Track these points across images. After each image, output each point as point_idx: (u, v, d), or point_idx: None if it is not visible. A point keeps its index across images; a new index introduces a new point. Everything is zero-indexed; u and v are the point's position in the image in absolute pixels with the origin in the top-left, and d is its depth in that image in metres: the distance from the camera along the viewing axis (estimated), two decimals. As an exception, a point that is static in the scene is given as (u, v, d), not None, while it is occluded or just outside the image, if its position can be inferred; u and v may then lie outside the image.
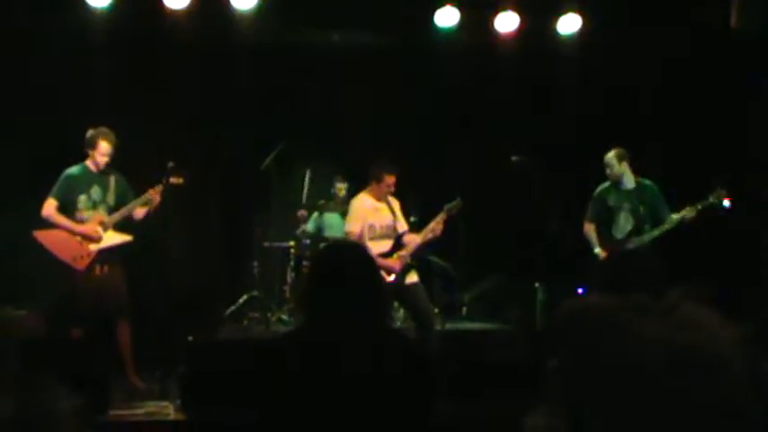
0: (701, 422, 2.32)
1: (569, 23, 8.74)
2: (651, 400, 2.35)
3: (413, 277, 7.13)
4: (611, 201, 7.39)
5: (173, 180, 6.87)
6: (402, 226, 7.24)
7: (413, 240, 7.14)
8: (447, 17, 8.66)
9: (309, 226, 9.28)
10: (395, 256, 7.06)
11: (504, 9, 8.64)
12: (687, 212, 7.06)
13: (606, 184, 7.46)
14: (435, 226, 7.13)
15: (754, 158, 8.05)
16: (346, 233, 7.16)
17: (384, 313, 3.23)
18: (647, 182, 7.37)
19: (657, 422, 2.34)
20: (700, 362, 2.34)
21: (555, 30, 8.80)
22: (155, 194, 6.81)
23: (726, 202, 6.97)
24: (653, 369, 2.36)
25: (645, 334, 2.42)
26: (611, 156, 7.35)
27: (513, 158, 7.79)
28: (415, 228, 7.42)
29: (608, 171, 7.38)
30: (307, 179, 9.20)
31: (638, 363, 2.38)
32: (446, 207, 7.15)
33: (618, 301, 2.58)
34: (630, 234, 7.26)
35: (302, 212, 9.30)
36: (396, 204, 7.25)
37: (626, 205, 7.33)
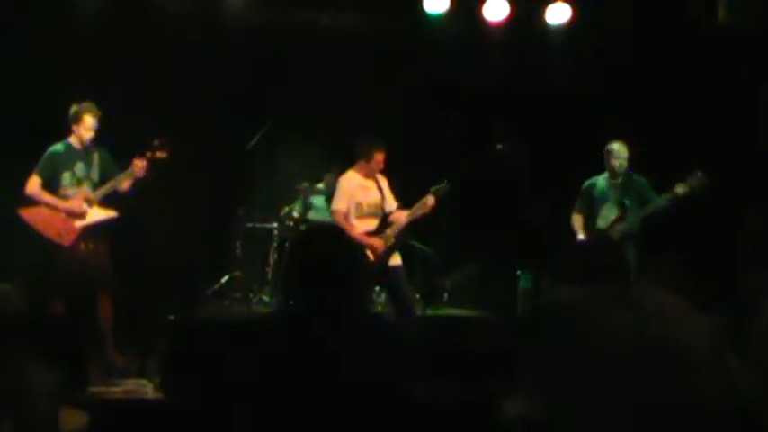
0: (671, 409, 2.34)
1: (558, 13, 8.75)
2: (621, 387, 2.37)
3: (396, 260, 7.12)
4: (597, 193, 7.43)
5: (157, 154, 6.85)
6: (390, 204, 7.22)
7: (400, 218, 7.12)
8: (436, 3, 8.66)
9: (295, 208, 9.26)
10: (380, 235, 7.06)
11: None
12: (664, 196, 7.09)
13: (594, 178, 7.50)
14: (421, 207, 7.08)
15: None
16: (332, 211, 7.15)
17: (363, 297, 3.23)
18: (635, 175, 7.40)
19: (628, 409, 2.37)
20: (668, 350, 2.36)
21: (544, 19, 8.81)
22: (139, 164, 6.76)
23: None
24: (622, 358, 2.38)
25: (614, 324, 2.44)
26: (622, 148, 7.33)
27: (499, 146, 7.79)
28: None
29: (616, 161, 7.35)
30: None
31: (608, 352, 2.40)
32: (432, 189, 7.12)
33: (588, 292, 2.61)
34: (614, 223, 7.29)
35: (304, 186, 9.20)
36: (384, 182, 7.24)
37: (611, 197, 7.36)
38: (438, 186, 7.12)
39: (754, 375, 2.53)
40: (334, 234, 3.04)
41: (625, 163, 7.31)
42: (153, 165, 6.86)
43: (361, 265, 2.99)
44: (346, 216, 7.01)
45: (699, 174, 6.99)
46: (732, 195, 7.27)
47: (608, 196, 7.39)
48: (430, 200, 7.05)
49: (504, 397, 2.70)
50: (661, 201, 7.12)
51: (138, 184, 6.86)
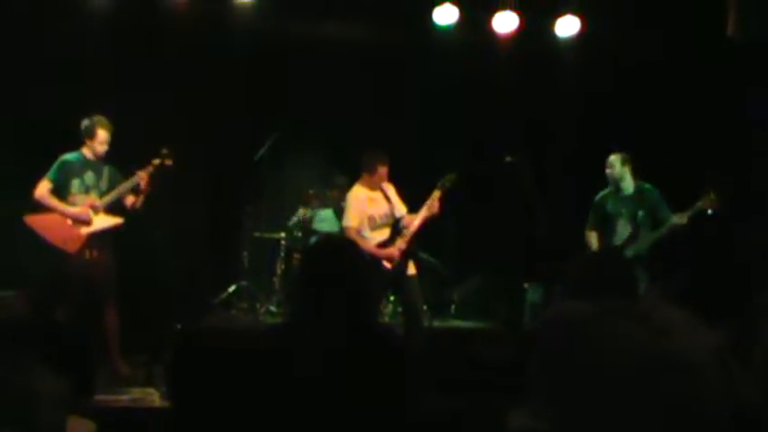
0: (677, 424, 2.33)
1: (567, 25, 8.75)
2: (628, 404, 2.36)
3: (411, 269, 7.14)
4: (610, 208, 7.37)
5: (164, 162, 6.88)
6: (400, 210, 7.22)
7: (411, 222, 7.13)
8: (446, 15, 8.66)
9: (303, 216, 9.20)
10: (394, 244, 7.06)
11: (504, 8, 8.64)
12: (678, 218, 7.08)
13: (605, 190, 7.44)
14: (432, 204, 7.08)
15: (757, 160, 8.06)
16: (344, 228, 7.16)
17: (373, 311, 3.23)
18: (647, 185, 7.35)
19: (634, 427, 2.35)
20: (676, 368, 2.35)
21: (553, 31, 8.82)
22: (143, 175, 6.80)
23: (709, 211, 7.01)
24: (630, 374, 2.37)
25: (622, 339, 2.43)
26: (614, 158, 7.30)
27: (507, 158, 7.78)
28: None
29: (608, 171, 7.32)
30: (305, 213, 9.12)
31: (616, 368, 2.39)
32: (440, 183, 7.12)
33: (596, 306, 2.59)
34: (628, 240, 7.24)
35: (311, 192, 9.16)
36: (390, 189, 7.25)
37: (624, 212, 7.31)
38: (445, 179, 7.12)
39: (758, 393, 2.52)
40: (345, 246, 3.03)
41: (615, 173, 7.29)
42: (160, 173, 6.89)
43: (370, 277, 2.99)
44: (358, 231, 7.02)
45: (711, 194, 6.99)
46: (742, 211, 7.27)
47: (621, 211, 7.34)
48: (434, 205, 7.05)
49: (510, 411, 2.69)
50: (665, 227, 7.13)
51: (144, 198, 6.88)
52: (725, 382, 2.39)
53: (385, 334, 2.97)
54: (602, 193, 7.46)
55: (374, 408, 2.65)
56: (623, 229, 7.31)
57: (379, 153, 7.17)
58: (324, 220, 9.12)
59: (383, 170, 7.12)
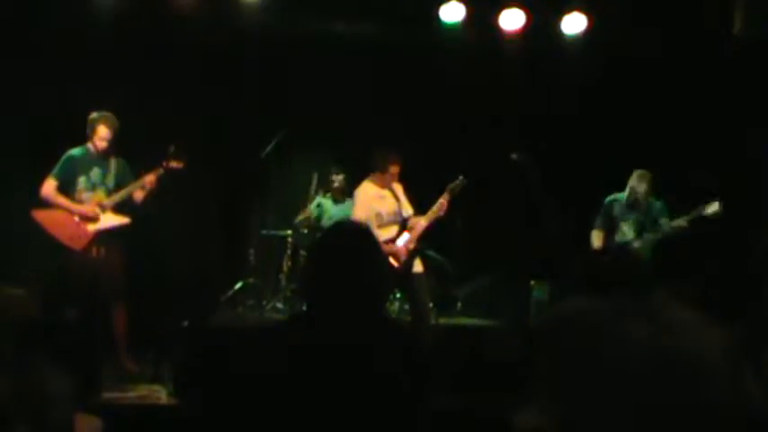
0: (686, 422, 2.33)
1: (574, 23, 8.75)
2: (636, 400, 2.36)
3: (418, 267, 7.14)
4: (617, 211, 7.49)
5: (173, 164, 6.89)
6: (407, 210, 7.24)
7: (418, 223, 7.13)
8: (452, 12, 8.66)
9: (310, 213, 9.19)
10: (400, 242, 7.07)
11: (510, 6, 8.64)
12: (679, 223, 7.13)
13: (615, 195, 7.52)
14: (439, 207, 7.10)
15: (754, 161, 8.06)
16: None
17: (385, 300, 3.20)
18: (658, 203, 7.45)
19: (642, 422, 2.36)
20: (684, 365, 2.36)
21: (560, 28, 8.81)
22: (151, 178, 6.82)
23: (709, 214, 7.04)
24: (638, 371, 2.37)
25: (631, 337, 2.43)
26: (641, 177, 7.38)
27: (513, 156, 7.79)
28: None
29: (634, 186, 7.39)
30: (314, 183, 9.11)
31: (624, 365, 2.39)
32: (449, 186, 7.13)
33: (604, 304, 2.59)
34: (630, 242, 7.30)
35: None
36: (399, 189, 7.26)
37: (630, 216, 7.39)
38: (454, 183, 7.13)
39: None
40: (359, 232, 2.93)
41: (643, 196, 7.36)
42: (169, 174, 6.90)
43: (384, 264, 2.95)
44: None
45: (713, 201, 7.01)
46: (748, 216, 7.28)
47: (628, 216, 7.44)
48: (442, 208, 7.07)
49: (516, 408, 2.69)
50: (668, 227, 7.17)
51: (153, 196, 6.90)
52: (734, 380, 2.39)
53: (397, 328, 2.95)
54: (612, 197, 7.54)
55: (384, 404, 2.65)
56: (628, 231, 7.40)
57: (392, 152, 7.16)
58: (331, 217, 9.13)
59: (395, 169, 7.12)
